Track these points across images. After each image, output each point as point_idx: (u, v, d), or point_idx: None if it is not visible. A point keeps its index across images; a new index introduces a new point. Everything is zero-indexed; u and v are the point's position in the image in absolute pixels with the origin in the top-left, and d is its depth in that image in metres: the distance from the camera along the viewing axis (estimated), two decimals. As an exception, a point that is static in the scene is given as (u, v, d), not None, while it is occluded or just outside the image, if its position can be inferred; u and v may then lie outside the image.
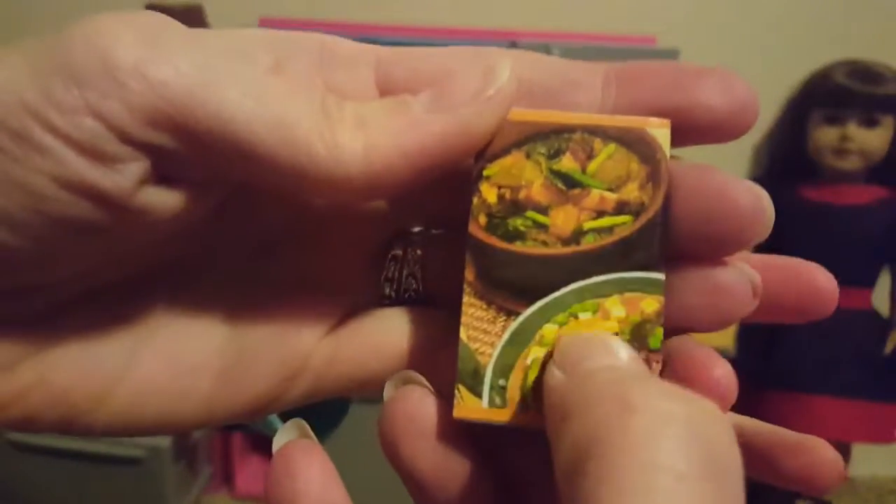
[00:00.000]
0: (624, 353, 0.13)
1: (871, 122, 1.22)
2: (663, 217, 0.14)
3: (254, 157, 0.12)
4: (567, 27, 1.31)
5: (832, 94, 1.24)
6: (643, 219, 0.14)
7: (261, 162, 0.12)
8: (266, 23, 1.25)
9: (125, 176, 0.12)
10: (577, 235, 0.14)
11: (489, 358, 0.13)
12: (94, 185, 0.12)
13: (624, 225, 0.14)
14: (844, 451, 1.47)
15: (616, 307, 0.13)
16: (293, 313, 0.16)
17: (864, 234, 1.25)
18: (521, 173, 0.14)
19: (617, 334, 0.13)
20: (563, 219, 0.14)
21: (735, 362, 1.31)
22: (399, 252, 0.17)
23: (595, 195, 0.14)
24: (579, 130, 0.14)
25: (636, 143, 0.14)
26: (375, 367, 0.16)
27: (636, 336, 0.13)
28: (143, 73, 0.12)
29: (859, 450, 1.49)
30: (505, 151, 0.14)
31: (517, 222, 0.14)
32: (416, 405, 0.14)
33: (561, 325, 0.13)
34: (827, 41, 1.30)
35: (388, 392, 0.14)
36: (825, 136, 1.24)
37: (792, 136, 1.31)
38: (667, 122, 0.15)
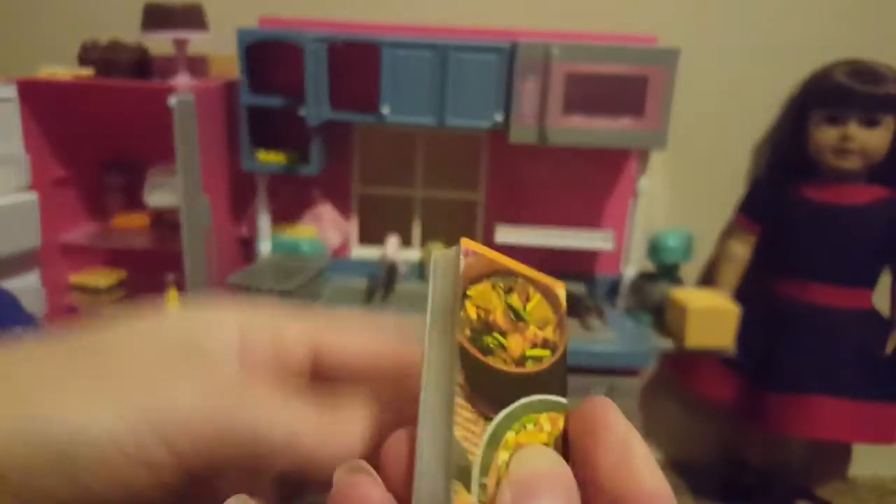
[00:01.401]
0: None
1: (871, 122, 1.22)
2: (565, 357, 0.18)
3: (265, 465, 0.17)
4: (567, 27, 1.31)
5: (832, 94, 1.24)
6: (557, 355, 0.17)
7: (268, 465, 0.17)
8: (266, 22, 1.25)
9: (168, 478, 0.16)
10: (523, 360, 0.17)
11: (476, 457, 0.15)
12: (143, 486, 0.16)
13: (547, 357, 0.17)
14: (844, 451, 1.47)
15: (546, 422, 0.16)
16: None
17: (865, 234, 1.25)
18: (490, 300, 0.17)
19: (546, 444, 0.16)
20: (514, 344, 0.17)
21: (735, 362, 1.30)
22: None
23: (532, 330, 0.17)
24: (520, 277, 0.18)
25: (550, 297, 0.18)
26: None
27: (557, 446, 0.16)
28: (207, 418, 0.16)
29: (859, 450, 1.49)
30: (479, 279, 0.17)
31: (489, 340, 0.17)
32: (367, 491, 0.15)
33: (516, 432, 0.16)
34: (827, 41, 1.30)
35: (338, 477, 0.15)
36: (826, 135, 1.24)
37: (792, 136, 1.31)
38: (563, 284, 0.18)
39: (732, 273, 1.36)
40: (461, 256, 0.17)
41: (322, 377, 0.19)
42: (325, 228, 1.36)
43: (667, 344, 1.20)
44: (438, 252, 0.17)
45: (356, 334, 0.19)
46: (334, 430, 0.17)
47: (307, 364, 0.19)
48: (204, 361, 0.17)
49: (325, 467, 0.16)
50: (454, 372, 0.16)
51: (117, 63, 1.21)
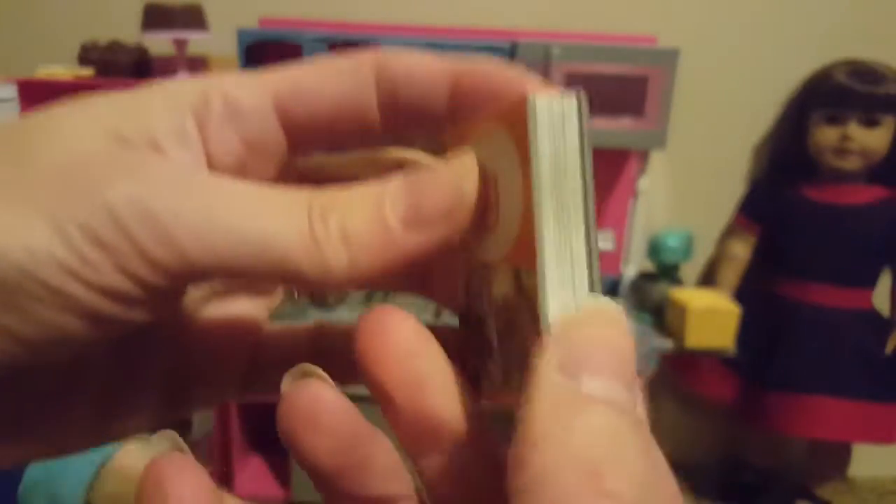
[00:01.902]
0: None
1: (871, 122, 1.22)
2: None
3: (242, 275, 0.14)
4: (567, 27, 1.31)
5: (832, 94, 1.24)
6: None
7: (248, 276, 0.14)
8: (266, 23, 1.25)
9: (133, 309, 0.14)
10: None
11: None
12: (109, 317, 0.14)
13: None
14: (844, 451, 1.47)
15: None
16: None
17: (865, 234, 1.25)
18: None
19: None
20: None
21: (735, 362, 1.30)
22: None
23: None
24: None
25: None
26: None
27: None
28: (153, 226, 0.13)
29: (859, 450, 1.49)
30: None
31: None
32: (315, 397, 0.14)
33: None
34: (827, 41, 1.30)
35: (285, 385, 0.15)
36: (826, 135, 1.24)
37: (792, 136, 1.31)
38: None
39: (732, 273, 1.36)
40: (581, 101, 0.14)
41: (297, 147, 0.17)
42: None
43: (667, 344, 1.20)
44: (543, 101, 0.14)
45: (316, 76, 0.17)
46: (336, 252, 0.14)
47: (275, 137, 0.17)
48: (148, 153, 0.14)
49: (315, 281, 0.14)
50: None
51: (117, 63, 1.21)
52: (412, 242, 0.14)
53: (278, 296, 0.21)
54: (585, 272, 0.14)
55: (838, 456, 1.47)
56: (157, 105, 0.15)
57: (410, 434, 0.14)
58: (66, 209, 0.13)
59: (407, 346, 0.14)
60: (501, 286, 0.15)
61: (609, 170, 1.34)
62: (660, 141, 1.17)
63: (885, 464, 1.52)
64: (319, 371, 0.15)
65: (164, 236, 0.13)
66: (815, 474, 1.44)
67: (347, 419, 0.15)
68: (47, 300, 0.13)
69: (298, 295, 0.19)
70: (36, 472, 0.41)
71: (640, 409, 0.13)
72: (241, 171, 0.16)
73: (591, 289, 0.14)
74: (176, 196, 0.14)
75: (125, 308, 0.14)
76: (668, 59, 1.13)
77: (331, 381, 0.15)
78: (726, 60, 1.35)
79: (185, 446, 0.15)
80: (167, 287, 0.14)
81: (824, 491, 1.46)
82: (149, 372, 0.18)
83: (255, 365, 0.20)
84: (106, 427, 0.18)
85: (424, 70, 0.17)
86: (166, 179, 0.14)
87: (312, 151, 0.18)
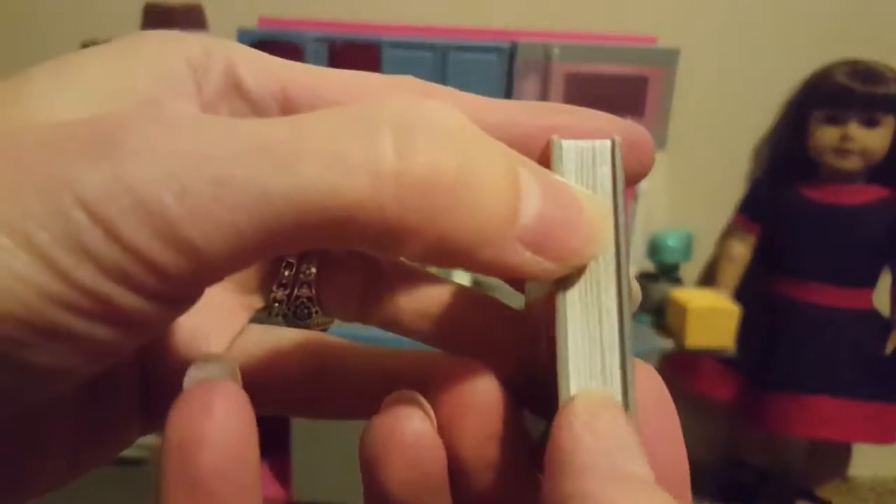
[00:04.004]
0: None
1: (871, 122, 1.22)
2: None
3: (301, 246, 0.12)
4: (567, 27, 1.31)
5: (832, 94, 1.24)
6: None
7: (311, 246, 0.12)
8: (266, 23, 1.25)
9: (148, 327, 0.11)
10: None
11: None
12: (113, 345, 0.11)
13: None
14: (844, 451, 1.47)
15: None
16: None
17: (865, 234, 1.25)
18: None
19: None
20: None
21: (735, 362, 1.30)
22: (293, 262, 0.17)
23: None
24: None
25: None
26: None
27: None
28: (145, 214, 0.10)
29: (859, 450, 1.49)
30: None
31: None
32: (414, 431, 0.13)
33: None
34: (827, 41, 1.30)
35: (387, 403, 0.14)
36: (826, 135, 1.24)
37: (792, 136, 1.31)
38: None
39: (732, 273, 1.36)
40: (617, 148, 0.13)
41: None
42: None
43: (667, 344, 1.20)
44: (570, 143, 0.13)
45: (337, 83, 0.14)
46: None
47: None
48: (139, 109, 0.12)
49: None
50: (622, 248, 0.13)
51: (117, 63, 1.21)
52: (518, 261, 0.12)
53: (256, 300, 0.17)
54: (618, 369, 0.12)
55: (838, 456, 1.47)
56: (151, 53, 0.13)
57: None
58: (34, 214, 0.09)
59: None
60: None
61: (609, 170, 1.34)
62: (660, 141, 1.17)
63: (885, 464, 1.52)
64: (421, 399, 0.13)
65: (165, 228, 0.09)
66: (815, 474, 1.44)
67: (437, 456, 0.13)
68: (40, 347, 0.10)
69: (276, 310, 0.17)
70: None
71: None
72: None
73: (624, 385, 0.12)
74: (179, 153, 0.10)
75: (139, 330, 0.11)
76: (668, 59, 1.14)
77: (430, 413, 0.13)
78: (726, 60, 1.35)
79: (239, 376, 0.13)
80: (192, 289, 0.11)
81: (824, 491, 1.45)
82: (127, 384, 0.16)
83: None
84: (87, 457, 0.15)
85: None
86: (166, 133, 0.10)
87: None
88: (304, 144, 0.10)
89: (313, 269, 0.17)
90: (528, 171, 0.12)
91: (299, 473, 1.22)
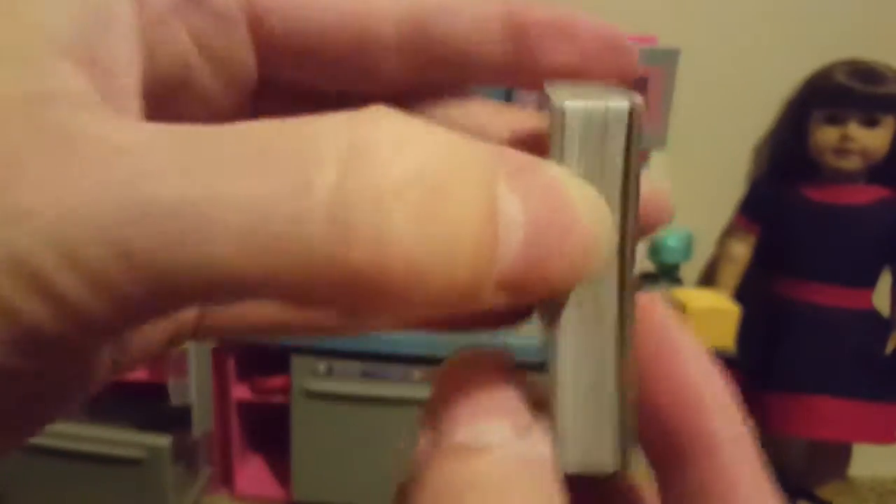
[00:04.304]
0: None
1: (871, 122, 1.22)
2: None
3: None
4: (567, 27, 1.30)
5: (832, 94, 1.24)
6: None
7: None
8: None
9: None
10: None
11: None
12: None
13: None
14: (844, 451, 1.47)
15: None
16: None
17: (865, 234, 1.25)
18: None
19: None
20: None
21: (735, 362, 1.30)
22: None
23: None
24: None
25: None
26: None
27: None
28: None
29: (859, 450, 1.49)
30: None
31: None
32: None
33: None
34: (827, 41, 1.30)
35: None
36: (826, 136, 1.24)
37: (792, 136, 1.31)
38: None
39: (732, 273, 1.36)
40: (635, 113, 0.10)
41: (271, 75, 0.13)
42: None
43: (667, 344, 1.19)
44: (575, 104, 0.10)
45: None
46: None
47: (241, 54, 0.12)
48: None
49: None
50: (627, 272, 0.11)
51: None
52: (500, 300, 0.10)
53: None
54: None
55: (838, 456, 1.47)
56: None
57: None
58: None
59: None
60: None
61: (609, 170, 1.34)
62: (660, 141, 1.17)
63: (885, 464, 1.52)
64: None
65: (46, 290, 0.08)
66: (815, 474, 1.44)
67: None
68: None
69: None
70: None
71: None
72: (182, 87, 0.12)
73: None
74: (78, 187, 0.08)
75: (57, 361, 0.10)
76: (669, 59, 1.14)
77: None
78: (726, 60, 1.35)
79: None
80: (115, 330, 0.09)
81: (824, 491, 1.45)
82: None
83: None
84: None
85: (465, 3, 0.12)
86: (60, 175, 0.08)
87: (292, 83, 0.13)
88: (217, 211, 0.08)
89: None
90: (507, 184, 0.09)
91: (299, 473, 1.22)
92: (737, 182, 1.42)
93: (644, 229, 0.12)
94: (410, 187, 0.09)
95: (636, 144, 0.10)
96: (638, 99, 0.10)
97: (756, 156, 1.41)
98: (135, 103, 0.11)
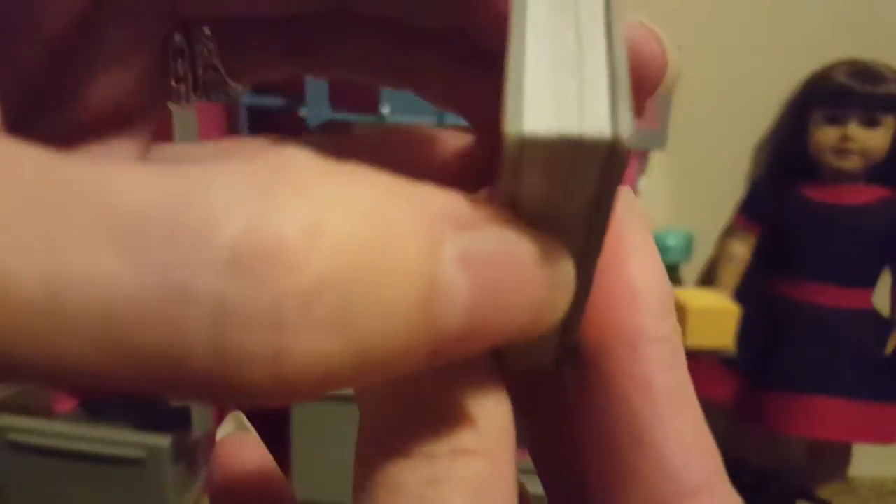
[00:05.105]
0: None
1: (871, 122, 1.22)
2: None
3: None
4: (567, 27, 1.30)
5: (833, 94, 1.24)
6: None
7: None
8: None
9: None
10: None
11: None
12: None
13: None
14: (844, 451, 1.47)
15: None
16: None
17: (865, 234, 1.25)
18: None
19: None
20: None
21: (735, 362, 1.30)
22: (183, 45, 0.14)
23: None
24: None
25: None
26: None
27: None
28: None
29: (859, 450, 1.49)
30: None
31: None
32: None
33: None
34: (827, 41, 1.30)
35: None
36: (826, 135, 1.24)
37: (792, 136, 1.31)
38: None
39: (732, 273, 1.36)
40: None
41: (188, 20, 0.13)
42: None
43: (667, 344, 1.19)
44: (536, 133, 0.08)
45: None
46: None
47: None
48: None
49: None
50: None
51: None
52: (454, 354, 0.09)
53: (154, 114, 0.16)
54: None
55: (838, 456, 1.47)
56: None
57: None
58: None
59: None
60: None
61: (609, 170, 1.34)
62: (660, 141, 1.17)
63: (885, 464, 1.52)
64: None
65: None
66: (815, 474, 1.44)
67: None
68: None
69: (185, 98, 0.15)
70: None
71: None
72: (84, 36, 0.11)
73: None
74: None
75: None
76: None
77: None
78: (726, 60, 1.35)
79: (249, 426, 0.17)
80: None
81: (824, 491, 1.46)
82: None
83: None
84: None
85: None
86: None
87: (220, 36, 0.13)
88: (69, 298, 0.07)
89: (211, 46, 0.14)
90: (450, 249, 0.08)
91: (299, 473, 1.22)
92: (737, 182, 1.42)
93: (642, 89, 0.11)
94: (324, 291, 0.07)
95: (616, 171, 0.08)
96: (625, 117, 0.08)
97: (756, 156, 1.41)
98: None
